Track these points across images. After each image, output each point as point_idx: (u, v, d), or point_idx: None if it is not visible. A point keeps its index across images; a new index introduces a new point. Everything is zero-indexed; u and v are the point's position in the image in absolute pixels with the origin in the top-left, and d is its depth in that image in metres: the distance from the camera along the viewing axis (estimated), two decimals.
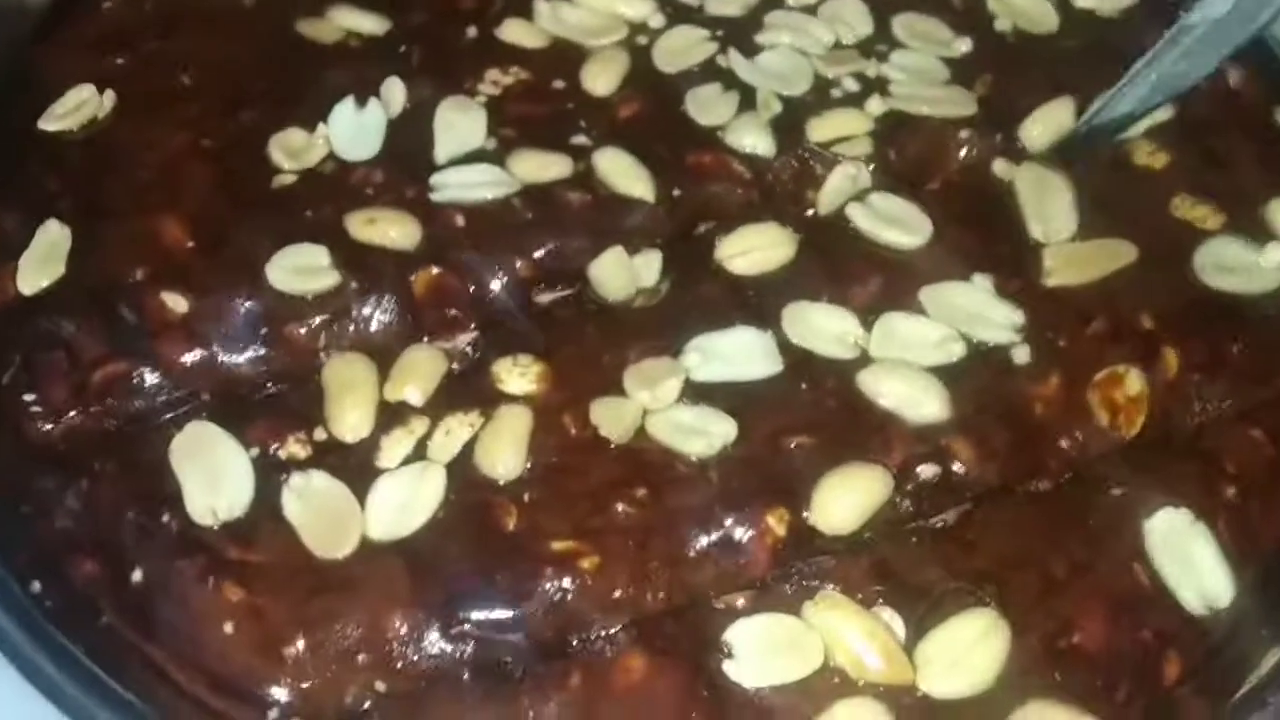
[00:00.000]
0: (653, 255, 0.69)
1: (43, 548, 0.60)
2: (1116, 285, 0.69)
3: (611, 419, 0.63)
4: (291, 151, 0.71)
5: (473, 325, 0.67)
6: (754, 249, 0.69)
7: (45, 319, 0.65)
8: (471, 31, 0.78)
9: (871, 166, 0.73)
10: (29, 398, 0.63)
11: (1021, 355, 0.66)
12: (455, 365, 0.65)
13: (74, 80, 0.74)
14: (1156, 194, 0.73)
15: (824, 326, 0.66)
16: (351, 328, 0.66)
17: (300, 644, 0.57)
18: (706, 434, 0.62)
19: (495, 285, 0.68)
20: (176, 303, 0.65)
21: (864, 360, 0.65)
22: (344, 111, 0.72)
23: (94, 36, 0.76)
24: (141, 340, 0.64)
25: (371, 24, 0.78)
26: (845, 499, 0.61)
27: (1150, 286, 0.69)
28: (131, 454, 0.62)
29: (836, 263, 0.69)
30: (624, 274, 0.68)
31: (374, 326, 0.66)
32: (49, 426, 0.63)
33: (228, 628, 0.57)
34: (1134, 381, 0.65)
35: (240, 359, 0.65)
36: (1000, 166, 0.73)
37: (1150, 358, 0.66)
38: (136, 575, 0.59)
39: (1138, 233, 0.70)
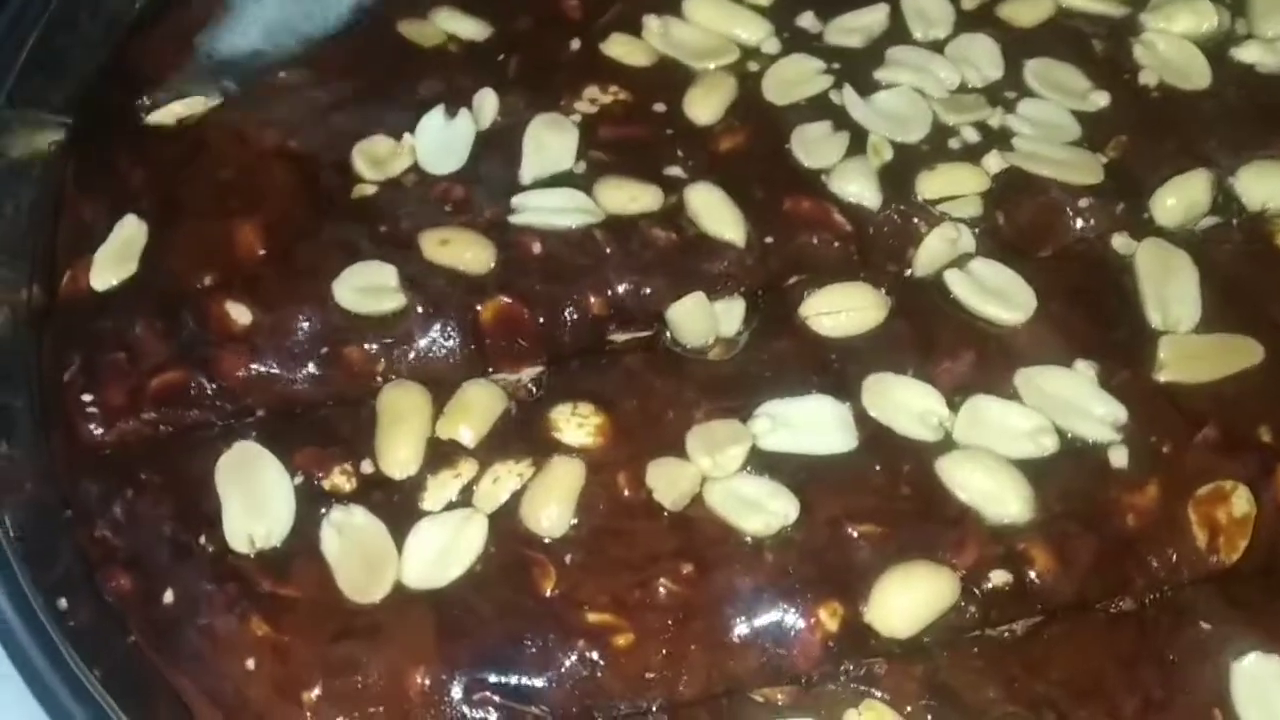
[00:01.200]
0: (735, 303, 0.66)
1: (79, 557, 0.59)
2: (1236, 389, 0.63)
3: (668, 483, 0.59)
4: (375, 160, 0.69)
5: (539, 360, 0.65)
6: (842, 309, 0.65)
7: (112, 318, 0.64)
8: (575, 44, 0.74)
9: (977, 230, 0.68)
10: (86, 398, 0.62)
11: (1119, 457, 0.61)
12: (513, 405, 0.62)
13: (171, 72, 0.73)
14: None
15: (907, 402, 0.62)
16: (412, 353, 0.64)
17: (319, 689, 0.55)
18: (766, 511, 0.59)
19: (566, 320, 0.65)
20: (240, 314, 0.63)
21: (946, 444, 0.61)
22: (432, 121, 0.70)
23: (194, 27, 0.74)
24: (202, 350, 0.63)
25: (473, 29, 0.75)
26: (907, 600, 0.57)
27: (1275, 394, 0.63)
28: (178, 467, 0.61)
29: (928, 333, 0.64)
30: (703, 321, 0.65)
31: (436, 354, 0.64)
32: (102, 430, 0.62)
33: (249, 663, 0.56)
34: (1241, 501, 0.60)
35: (297, 377, 0.63)
36: (1121, 241, 0.68)
37: (1263, 476, 0.61)
38: (168, 596, 0.58)
39: (1267, 330, 0.64)
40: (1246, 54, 0.75)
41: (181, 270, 0.65)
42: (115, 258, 0.66)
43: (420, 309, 0.64)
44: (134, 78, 0.73)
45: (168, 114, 0.72)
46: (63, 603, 0.56)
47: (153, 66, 0.74)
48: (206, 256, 0.65)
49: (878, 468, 0.60)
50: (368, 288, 0.64)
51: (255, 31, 0.73)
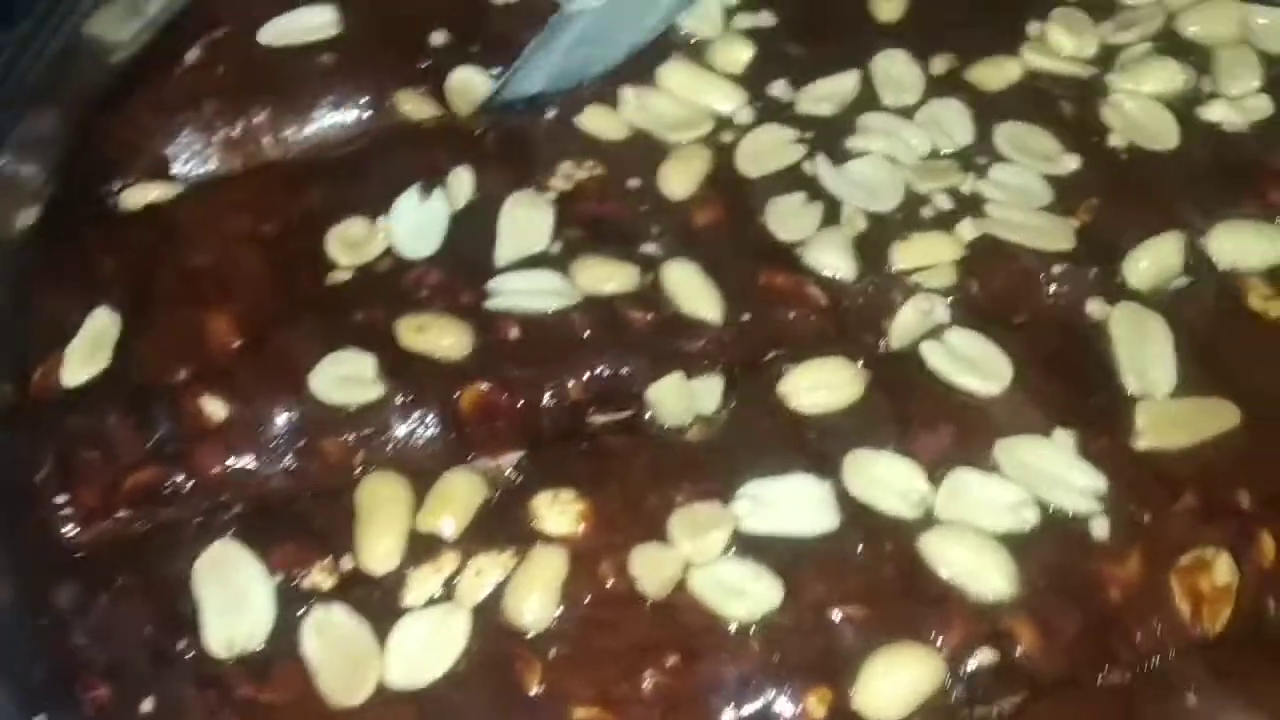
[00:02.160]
0: (714, 381, 0.66)
1: (56, 667, 0.58)
2: (1214, 454, 0.63)
3: (651, 570, 0.59)
4: (350, 244, 0.68)
5: (518, 445, 0.64)
6: (820, 386, 0.65)
7: (84, 415, 0.63)
8: (551, 114, 0.74)
9: (951, 299, 0.68)
10: (60, 499, 0.62)
11: (1100, 528, 0.60)
12: (494, 494, 0.62)
13: (142, 153, 0.72)
14: (1271, 347, 0.67)
15: (888, 479, 0.62)
16: (391, 443, 0.63)
17: None
18: (750, 596, 0.58)
19: (546, 404, 0.65)
20: (216, 409, 0.63)
21: (928, 520, 0.60)
22: (407, 202, 0.70)
23: (165, 106, 0.74)
24: (177, 446, 0.62)
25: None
26: (894, 683, 0.56)
27: (1253, 458, 0.63)
28: (155, 568, 0.60)
29: (906, 407, 0.64)
30: (683, 400, 0.65)
31: (415, 443, 0.64)
32: (77, 530, 0.62)
33: None
34: (1222, 569, 0.60)
35: (274, 471, 0.63)
36: (1095, 306, 0.68)
37: (1244, 542, 0.60)
38: (147, 705, 0.57)
39: (1244, 393, 0.64)
40: (1213, 113, 0.75)
41: (155, 363, 0.65)
42: (87, 352, 0.66)
43: (399, 398, 0.63)
44: (105, 161, 0.73)
45: (138, 198, 0.72)
46: (41, 718, 0.55)
47: (122, 148, 0.73)
48: (180, 348, 0.65)
49: (860, 547, 0.60)
50: (345, 378, 0.64)
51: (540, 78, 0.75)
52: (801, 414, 0.64)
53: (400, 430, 0.63)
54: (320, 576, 0.59)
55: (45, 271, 0.69)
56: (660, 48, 0.77)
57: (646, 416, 0.65)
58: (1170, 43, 0.77)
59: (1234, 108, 0.75)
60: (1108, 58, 0.76)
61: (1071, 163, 0.72)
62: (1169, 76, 0.76)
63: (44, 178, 0.72)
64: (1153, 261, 0.69)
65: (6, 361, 0.67)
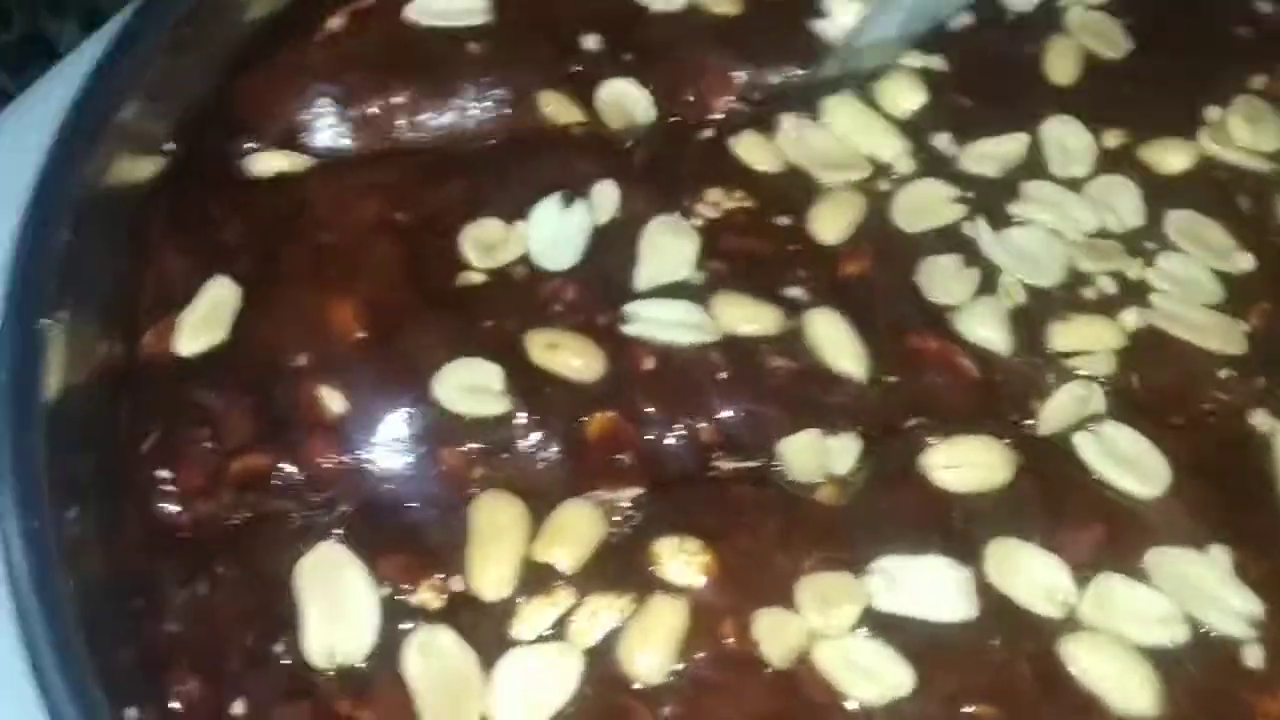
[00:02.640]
0: (851, 441, 0.62)
1: (147, 653, 0.55)
2: None
3: (775, 636, 0.55)
4: (484, 245, 0.65)
5: (641, 481, 0.61)
6: (966, 463, 0.61)
7: (196, 389, 0.60)
8: (706, 134, 0.71)
9: (1108, 389, 0.64)
10: (164, 474, 0.58)
11: (1254, 655, 0.57)
12: (614, 532, 0.58)
13: (275, 119, 0.69)
14: None
15: (1032, 575, 0.58)
16: (511, 461, 0.60)
17: None
18: (879, 678, 0.55)
19: (673, 442, 0.61)
20: (334, 400, 0.59)
21: (1071, 624, 0.57)
22: (547, 210, 0.66)
23: (303, 73, 0.70)
24: (290, 434, 0.59)
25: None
26: None
27: None
28: (257, 562, 0.57)
29: (1056, 499, 0.61)
30: (816, 457, 0.61)
31: (535, 464, 0.60)
32: (178, 510, 0.58)
33: None
34: None
35: (389, 474, 0.59)
36: (1260, 418, 0.64)
37: None
38: (238, 708, 0.53)
39: None
40: None
41: (275, 345, 0.61)
42: (204, 321, 0.62)
43: (523, 416, 0.60)
44: (236, 121, 0.69)
45: (268, 164, 0.68)
46: (133, 713, 0.52)
47: (256, 110, 0.70)
48: (302, 332, 0.61)
49: (997, 642, 0.56)
50: (470, 387, 0.60)
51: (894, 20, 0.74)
52: (944, 491, 0.61)
53: (521, 449, 0.60)
54: (429, 594, 0.56)
55: (166, 229, 0.66)
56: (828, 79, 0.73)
57: (775, 468, 0.62)
58: None
59: None
60: None
61: (1245, 262, 0.69)
62: None
63: (172, 131, 0.68)
64: None
65: (118, 319, 0.63)
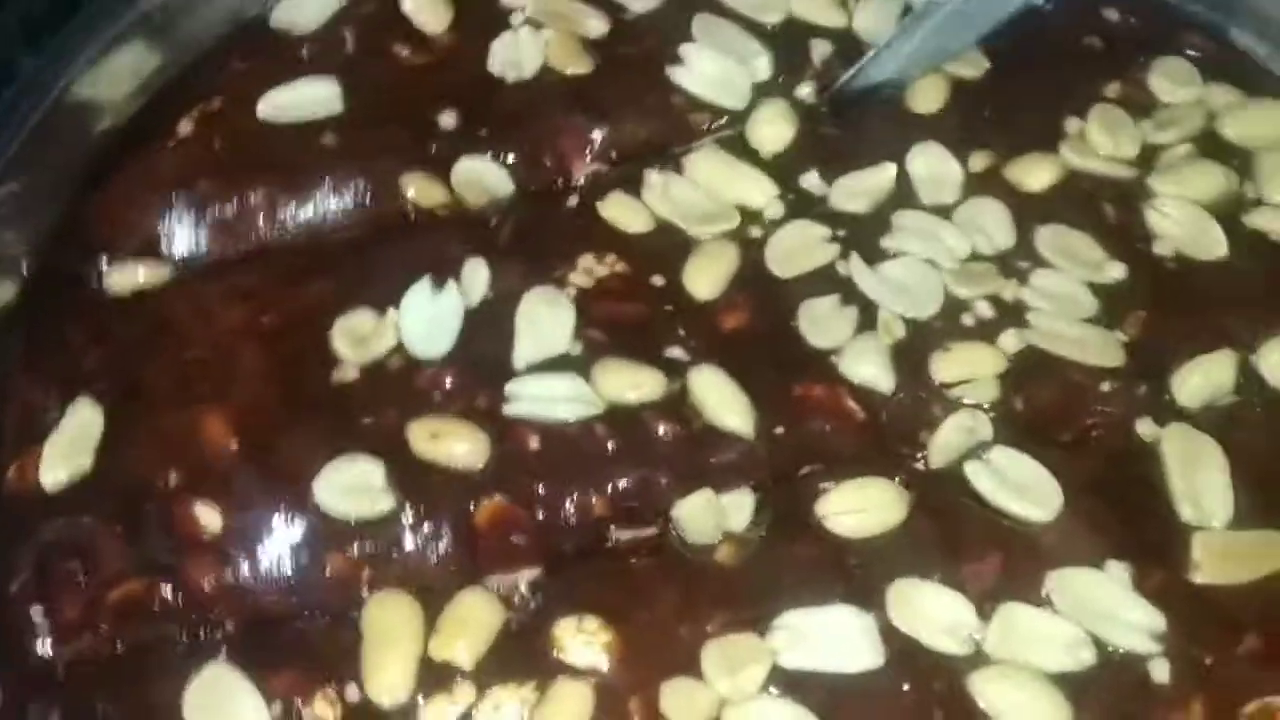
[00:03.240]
0: (745, 497, 0.61)
1: None
2: (1277, 591, 0.60)
3: (683, 709, 0.55)
4: (357, 339, 0.64)
5: (536, 563, 0.60)
6: (860, 507, 0.61)
7: (64, 521, 0.58)
8: (572, 201, 0.70)
9: (994, 414, 0.64)
10: (36, 612, 0.57)
11: (1160, 670, 0.57)
12: (513, 618, 0.57)
13: (131, 233, 0.67)
14: None
15: (935, 613, 0.58)
16: (400, 560, 0.59)
17: None
18: None
19: (567, 521, 0.60)
20: (210, 518, 0.58)
21: (978, 658, 0.57)
22: (418, 296, 0.65)
23: (156, 182, 0.69)
24: (166, 558, 0.57)
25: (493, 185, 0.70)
26: None
27: None
28: (141, 693, 0.55)
29: (952, 533, 0.60)
30: (712, 517, 0.61)
31: (426, 559, 0.59)
32: (54, 648, 0.56)
33: None
34: None
35: (272, 588, 0.58)
36: (1145, 428, 0.64)
37: None
38: None
39: None
40: (1258, 220, 0.72)
41: (143, 466, 0.60)
42: (67, 449, 0.60)
43: (410, 511, 0.59)
44: (90, 238, 0.68)
45: (125, 282, 0.67)
46: None
47: (109, 224, 0.68)
48: (171, 450, 0.60)
49: (906, 687, 0.56)
50: (352, 487, 0.59)
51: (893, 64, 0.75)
52: (841, 538, 0.60)
53: (411, 545, 0.59)
54: (323, 707, 0.55)
55: (23, 358, 0.64)
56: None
57: (673, 534, 0.61)
58: (1211, 144, 0.74)
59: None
60: (1148, 158, 0.73)
61: (1116, 271, 0.69)
62: (1212, 181, 0.72)
63: (24, 251, 0.67)
64: (1204, 380, 0.65)
65: None
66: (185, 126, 0.71)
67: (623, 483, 0.61)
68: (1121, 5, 0.79)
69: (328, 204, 0.69)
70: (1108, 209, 0.71)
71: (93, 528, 0.58)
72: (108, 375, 0.63)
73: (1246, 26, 0.79)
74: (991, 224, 0.70)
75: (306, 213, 0.69)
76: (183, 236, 0.68)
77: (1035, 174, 0.72)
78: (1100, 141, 0.73)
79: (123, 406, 0.61)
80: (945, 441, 0.63)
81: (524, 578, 0.59)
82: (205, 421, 0.61)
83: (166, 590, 0.57)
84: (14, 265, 0.67)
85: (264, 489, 0.59)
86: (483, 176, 0.70)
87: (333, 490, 0.59)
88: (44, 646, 0.57)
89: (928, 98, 0.75)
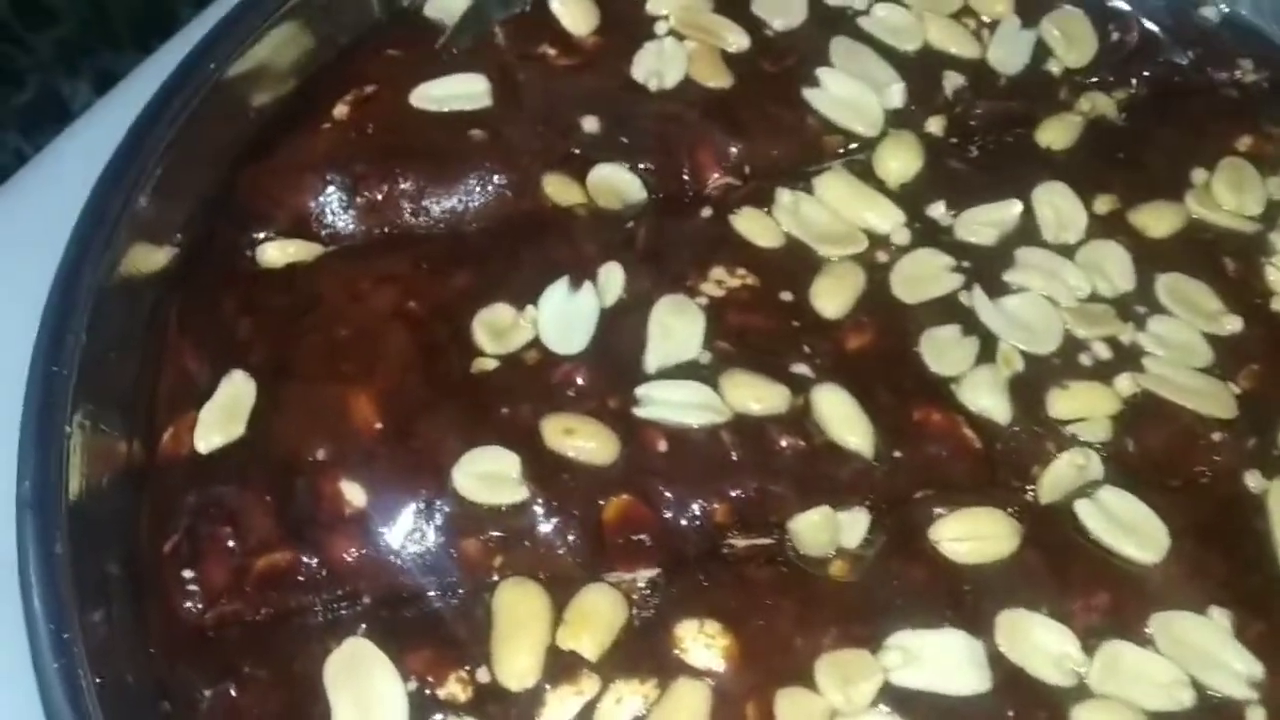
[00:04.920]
0: (860, 515, 0.63)
1: None
2: None
3: (797, 717, 0.57)
4: (496, 331, 0.66)
5: (657, 562, 0.62)
6: (974, 536, 0.62)
7: (217, 486, 0.61)
8: (705, 212, 0.72)
9: (1105, 455, 0.66)
10: (188, 573, 0.59)
11: (1257, 717, 0.59)
12: (636, 615, 0.60)
13: (284, 208, 0.70)
14: None
15: (1042, 644, 0.60)
16: (530, 549, 0.61)
17: None
18: None
19: (688, 523, 0.63)
20: (355, 494, 0.61)
21: (1081, 691, 0.59)
22: (556, 295, 0.67)
23: (310, 161, 0.71)
24: (312, 530, 0.60)
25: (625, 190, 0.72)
26: None
27: None
28: (283, 661, 0.58)
29: (1061, 568, 0.62)
30: (827, 533, 0.63)
31: (554, 550, 0.61)
32: (202, 609, 0.59)
33: None
34: None
35: (410, 566, 0.60)
36: (1253, 479, 0.66)
37: None
38: None
39: None
40: None
41: (293, 439, 0.62)
42: (221, 417, 0.63)
43: (542, 503, 0.61)
44: (246, 211, 0.70)
45: (277, 255, 0.69)
46: None
47: (264, 200, 0.71)
48: (320, 426, 0.62)
49: (1011, 713, 0.58)
50: (488, 476, 0.61)
51: None
52: (953, 563, 0.62)
53: (541, 535, 0.61)
54: (456, 687, 0.57)
55: (180, 325, 0.67)
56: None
57: (787, 545, 0.63)
58: None
59: None
60: (1272, 214, 0.75)
61: (1233, 324, 0.70)
62: None
63: (184, 223, 0.69)
64: None
65: (136, 417, 0.64)
66: (340, 109, 0.73)
67: (744, 491, 0.63)
68: (1257, 59, 0.80)
69: (471, 196, 0.71)
70: (1228, 261, 0.73)
71: (243, 495, 0.61)
72: (259, 346, 0.65)
73: None
74: (1112, 267, 0.72)
75: (450, 202, 0.71)
76: (333, 215, 0.71)
77: (1159, 221, 0.74)
78: (1225, 197, 0.75)
79: (274, 379, 0.64)
80: (1057, 477, 0.65)
81: (642, 576, 0.62)
82: (353, 400, 0.63)
83: (310, 561, 0.60)
84: (171, 235, 0.69)
85: (406, 471, 0.61)
86: (618, 182, 0.72)
87: (470, 477, 0.61)
88: (193, 607, 0.59)
89: (1058, 135, 0.76)
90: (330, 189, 0.71)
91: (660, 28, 0.77)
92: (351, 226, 0.71)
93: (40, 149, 0.85)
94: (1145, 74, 0.79)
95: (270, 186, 0.71)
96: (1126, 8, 0.81)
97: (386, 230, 0.71)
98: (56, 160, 0.84)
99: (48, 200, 0.69)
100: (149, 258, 0.68)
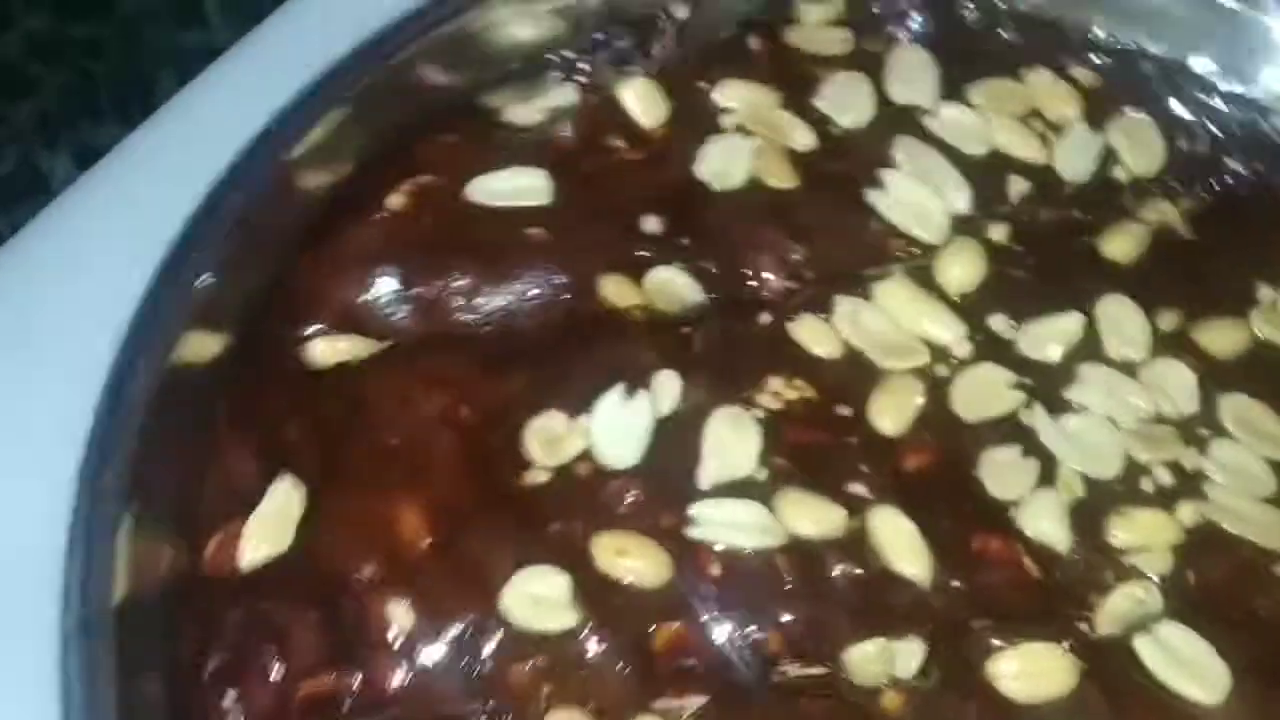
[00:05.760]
0: (916, 645, 0.62)
1: None
2: None
3: None
4: (549, 441, 0.65)
5: (706, 689, 0.61)
6: (1032, 672, 0.61)
7: (264, 602, 0.60)
8: (764, 319, 0.70)
9: (1163, 587, 0.64)
10: (229, 696, 0.58)
11: None
12: None
13: (334, 303, 0.69)
14: None
15: None
16: (580, 677, 0.60)
17: None
18: None
19: (738, 652, 0.61)
20: (403, 616, 0.59)
21: None
22: (610, 403, 0.66)
23: (362, 254, 0.70)
24: (359, 652, 0.59)
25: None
26: None
27: None
28: None
29: (1119, 706, 0.61)
30: (881, 664, 0.61)
31: (604, 680, 0.60)
32: None
33: None
34: None
35: (454, 692, 0.59)
36: None
37: None
38: None
39: None
40: None
41: (340, 553, 0.61)
42: (270, 527, 0.62)
43: (593, 628, 0.60)
44: (295, 304, 0.69)
45: (327, 353, 0.68)
46: None
47: (315, 292, 0.70)
48: (368, 540, 0.61)
49: None
50: (539, 598, 0.60)
51: None
52: (1009, 700, 0.61)
53: (590, 662, 0.60)
54: None
55: (226, 422, 0.66)
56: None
57: (840, 675, 0.62)
58: None
59: None
60: None
61: None
62: None
63: (234, 316, 0.68)
64: None
65: (183, 524, 0.63)
66: (395, 200, 0.72)
67: (798, 620, 0.62)
68: None
69: (526, 295, 0.70)
70: None
71: (290, 613, 0.60)
72: (308, 450, 0.64)
73: None
74: (1177, 386, 0.70)
75: (504, 300, 0.70)
76: (384, 311, 0.69)
77: (1223, 340, 0.72)
78: None
79: (322, 486, 0.63)
80: (1114, 609, 0.64)
81: (692, 704, 0.61)
82: (401, 512, 0.62)
83: (356, 685, 0.59)
84: (221, 327, 0.68)
85: (455, 591, 0.60)
86: (677, 284, 0.71)
87: (521, 600, 0.60)
88: None
89: (1122, 246, 0.75)
90: (382, 283, 0.70)
91: (727, 122, 0.76)
92: (403, 323, 0.69)
93: (17, 228, 0.82)
94: (1213, 184, 0.78)
95: (320, 279, 0.69)
96: (1194, 117, 0.80)
97: (438, 328, 0.69)
98: (39, 240, 0.80)
99: (28, 287, 0.66)
100: (200, 350, 0.67)
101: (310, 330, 0.69)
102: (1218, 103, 0.81)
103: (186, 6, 1.20)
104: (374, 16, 0.74)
